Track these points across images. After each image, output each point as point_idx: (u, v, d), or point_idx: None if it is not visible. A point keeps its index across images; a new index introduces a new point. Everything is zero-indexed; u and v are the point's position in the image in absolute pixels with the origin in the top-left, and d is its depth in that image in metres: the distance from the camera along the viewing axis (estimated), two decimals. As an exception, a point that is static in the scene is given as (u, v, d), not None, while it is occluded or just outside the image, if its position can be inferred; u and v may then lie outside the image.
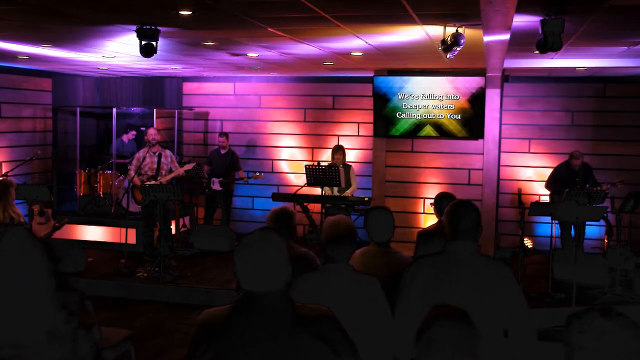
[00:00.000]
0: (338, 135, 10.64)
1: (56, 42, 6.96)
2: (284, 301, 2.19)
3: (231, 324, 2.17)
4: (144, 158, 8.63)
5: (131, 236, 8.89)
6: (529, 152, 9.93)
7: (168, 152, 8.94)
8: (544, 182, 9.14)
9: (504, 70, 8.90)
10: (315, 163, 9.41)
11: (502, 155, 9.75)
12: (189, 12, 5.03)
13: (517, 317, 2.98)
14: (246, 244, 2.22)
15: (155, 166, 8.70)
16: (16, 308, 2.47)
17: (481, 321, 2.97)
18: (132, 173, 8.65)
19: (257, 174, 9.80)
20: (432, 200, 5.56)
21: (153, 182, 8.55)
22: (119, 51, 7.48)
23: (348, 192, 9.02)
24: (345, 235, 3.22)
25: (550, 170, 9.14)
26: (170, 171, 8.79)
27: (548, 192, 9.03)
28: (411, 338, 3.05)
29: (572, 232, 8.65)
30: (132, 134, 11.01)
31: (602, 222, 8.27)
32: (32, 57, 8.40)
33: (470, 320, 2.20)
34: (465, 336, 2.14)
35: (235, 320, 2.17)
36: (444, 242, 3.18)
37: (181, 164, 9.32)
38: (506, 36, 5.36)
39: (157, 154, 8.73)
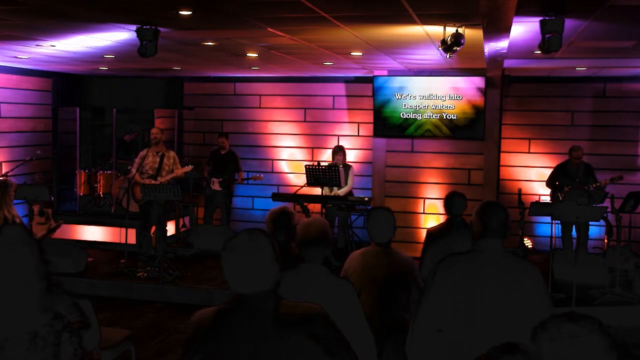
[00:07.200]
0: (338, 135, 10.63)
1: (55, 42, 6.95)
2: (272, 301, 2.19)
3: (220, 324, 2.17)
4: (146, 157, 8.64)
5: (131, 236, 8.88)
6: (529, 152, 9.93)
7: (172, 153, 8.92)
8: (545, 181, 9.14)
9: (504, 70, 8.89)
10: (315, 163, 9.41)
11: (502, 155, 9.75)
12: (189, 12, 5.03)
13: (544, 317, 2.98)
14: (232, 247, 2.20)
15: (157, 166, 8.70)
16: (1, 306, 2.43)
17: (507, 320, 2.98)
18: (133, 171, 8.66)
19: (257, 174, 9.79)
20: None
21: (152, 181, 8.56)
22: (119, 51, 7.48)
23: (340, 192, 8.98)
24: (316, 237, 3.22)
25: (550, 170, 9.13)
26: (172, 172, 8.79)
27: (548, 191, 9.02)
28: (432, 334, 3.04)
29: (574, 233, 8.65)
30: (135, 134, 11.02)
31: (602, 222, 8.27)
32: (32, 57, 8.40)
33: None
34: None
35: (223, 321, 2.17)
36: (473, 240, 3.20)
37: (182, 164, 9.31)
38: (506, 37, 5.35)
39: (160, 154, 8.71)
